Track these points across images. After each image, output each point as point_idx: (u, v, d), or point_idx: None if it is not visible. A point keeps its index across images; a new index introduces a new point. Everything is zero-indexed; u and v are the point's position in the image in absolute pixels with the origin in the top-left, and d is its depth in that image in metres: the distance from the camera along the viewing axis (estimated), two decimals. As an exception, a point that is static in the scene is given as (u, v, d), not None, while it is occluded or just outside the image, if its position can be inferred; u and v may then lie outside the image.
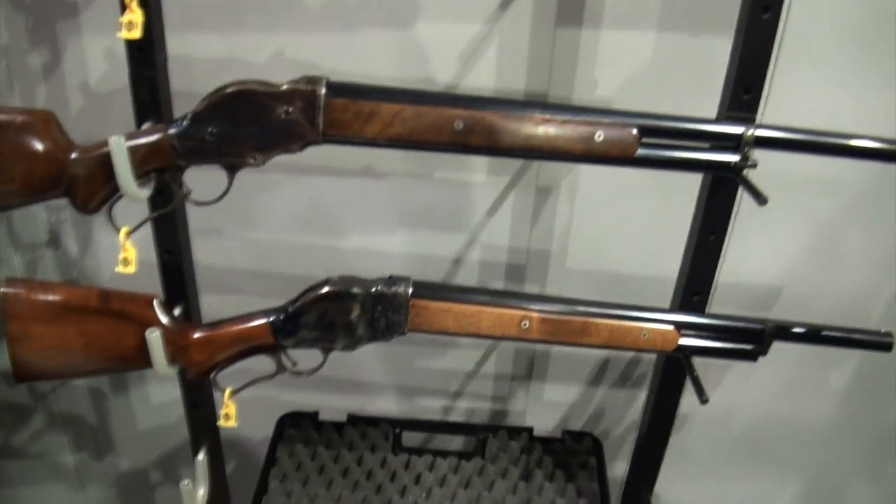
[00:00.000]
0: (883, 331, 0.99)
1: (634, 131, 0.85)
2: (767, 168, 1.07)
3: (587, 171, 1.25)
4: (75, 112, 1.23)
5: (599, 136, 0.85)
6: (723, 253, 1.29)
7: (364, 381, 1.50)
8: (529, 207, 1.29)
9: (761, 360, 1.07)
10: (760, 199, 0.84)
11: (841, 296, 1.36)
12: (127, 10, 0.82)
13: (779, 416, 1.52)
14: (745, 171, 0.88)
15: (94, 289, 1.00)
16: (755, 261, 1.33)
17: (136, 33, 0.82)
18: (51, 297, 0.97)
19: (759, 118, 1.14)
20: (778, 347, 1.28)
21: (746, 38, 0.86)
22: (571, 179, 1.26)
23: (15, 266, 1.37)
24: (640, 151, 0.86)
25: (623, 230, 1.30)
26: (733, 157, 0.87)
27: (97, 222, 1.32)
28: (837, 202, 1.28)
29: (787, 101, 1.17)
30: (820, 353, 1.38)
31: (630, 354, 1.43)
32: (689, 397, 1.42)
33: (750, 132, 0.86)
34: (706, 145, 0.88)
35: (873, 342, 0.99)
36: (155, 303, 0.99)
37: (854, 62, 1.16)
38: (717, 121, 0.89)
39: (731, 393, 1.48)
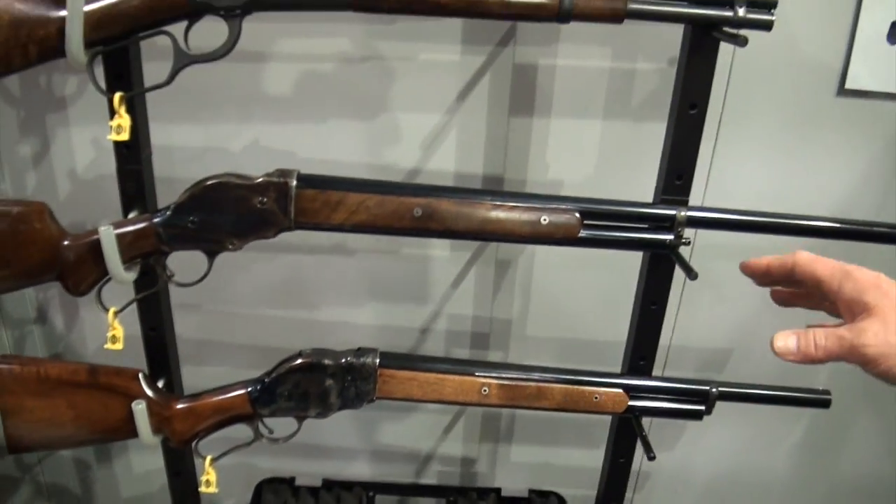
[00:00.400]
0: (821, 388, 1.08)
1: (577, 215, 0.95)
2: (715, 239, 1.18)
3: (543, 246, 1.34)
4: (63, 199, 1.32)
5: (545, 220, 0.95)
6: (674, 319, 1.40)
7: (338, 446, 1.57)
8: (490, 279, 1.38)
9: (716, 417, 1.14)
10: (691, 274, 0.93)
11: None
12: (116, 115, 0.91)
13: (738, 471, 1.60)
14: (679, 248, 0.98)
15: (83, 364, 1.06)
16: (705, 325, 1.43)
17: (125, 136, 0.91)
18: (42, 373, 1.05)
19: (702, 195, 1.26)
20: (730, 404, 1.37)
21: (677, 130, 0.97)
22: (528, 253, 1.36)
23: (4, 341, 1.43)
24: (583, 233, 0.96)
25: (577, 299, 1.40)
26: (668, 236, 0.97)
27: (83, 300, 1.39)
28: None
29: (728, 179, 1.28)
30: (773, 409, 1.47)
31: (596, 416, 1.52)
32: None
33: (682, 214, 0.96)
34: (644, 226, 0.98)
35: (812, 400, 1.08)
36: (140, 376, 1.06)
37: (787, 143, 1.28)
38: (653, 204, 0.99)
39: (690, 450, 1.56)
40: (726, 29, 0.88)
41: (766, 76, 1.23)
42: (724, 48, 0.92)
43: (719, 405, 1.28)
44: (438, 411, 1.51)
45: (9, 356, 1.08)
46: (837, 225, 0.99)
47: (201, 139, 1.26)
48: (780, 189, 1.30)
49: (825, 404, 1.07)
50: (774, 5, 0.87)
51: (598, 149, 1.26)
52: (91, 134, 1.28)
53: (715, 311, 1.42)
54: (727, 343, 1.44)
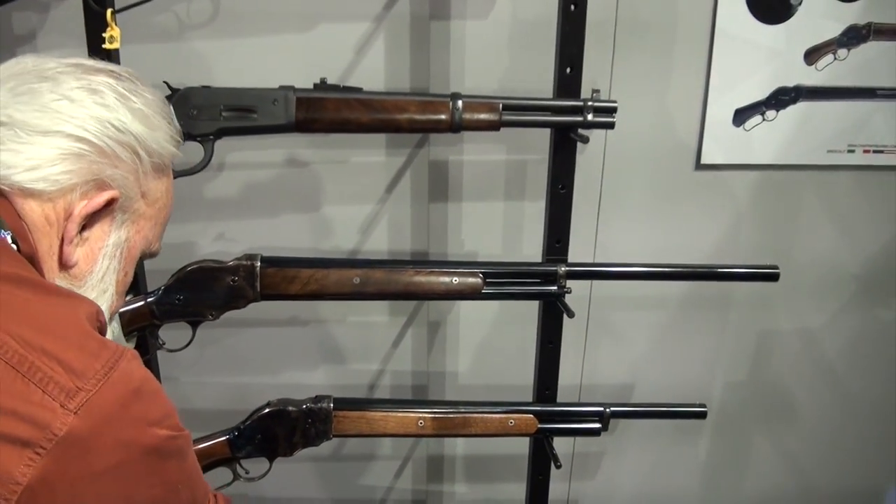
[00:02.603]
0: (698, 403, 1.38)
1: (480, 275, 1.26)
2: (610, 291, 1.50)
3: (466, 307, 1.65)
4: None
5: (455, 280, 1.26)
6: (582, 361, 1.70)
7: (299, 497, 1.82)
8: (424, 338, 1.68)
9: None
10: (570, 313, 1.25)
11: (684, 385, 1.77)
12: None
13: (653, 492, 1.88)
14: (563, 296, 1.29)
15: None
16: (609, 364, 1.73)
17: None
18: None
19: (592, 254, 1.58)
20: (639, 431, 1.69)
21: (552, 205, 1.30)
22: (455, 314, 1.66)
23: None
24: (486, 289, 1.27)
25: (497, 350, 1.70)
26: (553, 287, 1.28)
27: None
28: (664, 314, 1.71)
29: (612, 241, 1.61)
30: (676, 432, 1.78)
31: (525, 449, 1.80)
32: (575, 482, 1.80)
33: (562, 269, 1.28)
34: (535, 280, 1.30)
35: (690, 413, 1.38)
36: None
37: (658, 209, 1.62)
38: (539, 263, 1.31)
39: (609, 476, 1.84)
40: (581, 131, 1.22)
41: (636, 157, 1.58)
42: (600, 137, 1.24)
43: (630, 434, 1.58)
44: (390, 457, 1.78)
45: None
46: (681, 270, 1.32)
47: (177, 236, 1.55)
48: (654, 247, 1.63)
49: (702, 416, 1.38)
50: (614, 111, 1.21)
51: (501, 225, 1.59)
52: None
53: (615, 352, 1.73)
54: (629, 378, 1.75)
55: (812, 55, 1.55)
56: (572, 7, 1.19)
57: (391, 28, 1.45)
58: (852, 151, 1.62)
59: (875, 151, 1.62)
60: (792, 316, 1.71)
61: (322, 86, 1.19)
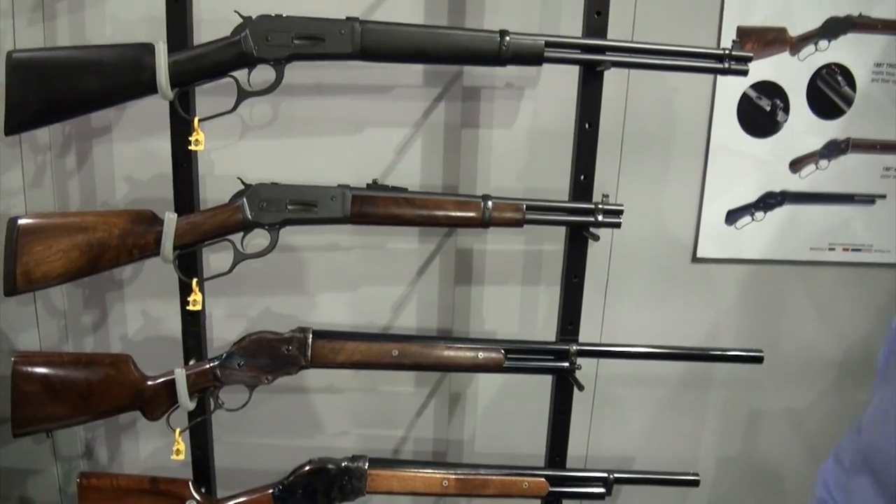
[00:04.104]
0: (692, 472, 1.59)
1: (502, 352, 1.48)
2: (614, 370, 1.71)
3: (484, 380, 1.87)
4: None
5: (481, 356, 1.47)
6: (588, 434, 1.90)
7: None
8: (446, 409, 1.89)
9: None
10: (580, 387, 1.46)
11: (680, 457, 1.97)
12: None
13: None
14: (574, 372, 1.51)
15: (146, 476, 1.53)
16: (612, 438, 1.94)
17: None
18: (115, 483, 1.51)
19: (599, 335, 1.80)
20: (639, 498, 1.87)
21: (566, 292, 1.52)
22: (474, 387, 1.88)
23: (55, 475, 1.88)
24: (507, 364, 1.48)
25: (513, 421, 1.90)
26: (565, 364, 1.50)
27: (124, 436, 1.86)
28: (663, 391, 1.92)
29: (617, 325, 1.84)
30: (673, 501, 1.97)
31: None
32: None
33: (573, 348, 1.50)
34: (549, 357, 1.51)
35: (686, 481, 1.59)
36: (190, 483, 1.53)
37: (658, 297, 1.85)
38: (553, 342, 1.53)
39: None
40: (592, 229, 1.46)
41: (639, 250, 1.81)
42: (608, 232, 1.46)
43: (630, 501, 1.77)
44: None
45: (88, 473, 1.54)
46: (677, 351, 1.54)
47: (228, 309, 1.77)
48: (655, 330, 1.86)
49: (695, 483, 1.58)
50: (621, 213, 1.44)
51: (518, 307, 1.82)
52: (141, 307, 1.78)
53: (618, 425, 1.94)
54: (632, 452, 1.95)
55: (796, 165, 1.80)
56: (587, 126, 1.44)
57: (428, 133, 1.71)
58: (833, 250, 1.85)
59: (854, 250, 1.86)
60: (779, 397, 1.93)
61: (374, 185, 1.43)
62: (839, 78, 1.77)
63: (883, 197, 1.84)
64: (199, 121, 1.40)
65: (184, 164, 1.44)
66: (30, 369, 1.44)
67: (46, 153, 1.70)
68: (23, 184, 1.71)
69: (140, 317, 1.80)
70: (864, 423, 1.05)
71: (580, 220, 1.44)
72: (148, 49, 1.35)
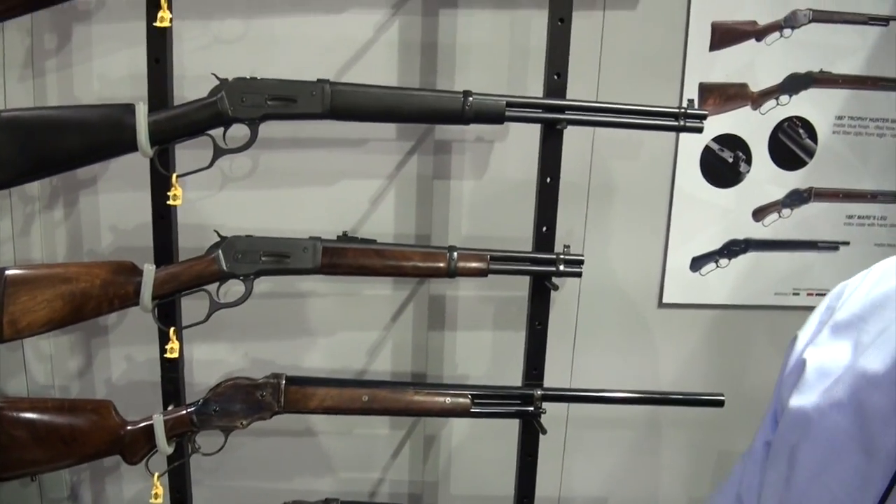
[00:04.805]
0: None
1: (469, 397, 1.55)
2: (584, 413, 1.77)
3: (458, 423, 1.93)
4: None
5: (448, 400, 1.54)
6: (560, 477, 1.97)
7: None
8: (421, 450, 1.95)
9: None
10: (543, 430, 1.53)
11: (652, 499, 2.03)
12: (168, 342, 1.50)
13: None
14: (539, 416, 1.57)
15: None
16: (583, 479, 2.00)
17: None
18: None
19: (569, 381, 1.86)
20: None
21: (530, 338, 1.59)
22: (448, 429, 1.94)
23: (40, 517, 1.94)
24: (474, 409, 1.55)
25: (485, 463, 1.96)
26: (530, 408, 1.57)
27: (108, 479, 1.92)
28: (633, 433, 1.98)
29: (586, 370, 1.90)
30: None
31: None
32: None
33: (538, 392, 1.56)
34: (515, 401, 1.58)
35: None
36: (167, 526, 1.59)
37: (625, 343, 1.92)
38: (520, 387, 1.60)
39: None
40: (554, 279, 1.53)
41: (607, 295, 1.88)
42: (573, 279, 1.54)
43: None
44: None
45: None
46: (639, 395, 1.61)
47: (207, 354, 1.84)
48: (623, 374, 1.92)
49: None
50: (581, 263, 1.52)
51: (490, 351, 1.89)
52: (125, 352, 1.86)
53: (589, 466, 2.00)
54: (604, 493, 2.01)
55: (759, 213, 1.88)
56: (548, 180, 1.52)
57: (401, 185, 1.79)
58: (797, 294, 1.92)
59: (818, 294, 1.92)
60: (746, 438, 1.96)
61: (344, 238, 1.50)
62: (801, 131, 1.85)
63: (846, 243, 1.92)
64: (178, 176, 1.48)
65: (163, 218, 1.52)
66: (16, 415, 1.51)
67: (35, 203, 1.78)
68: (11, 233, 1.79)
69: (123, 362, 1.87)
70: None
71: (542, 270, 1.52)
72: (129, 109, 1.43)
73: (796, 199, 1.88)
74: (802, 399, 0.97)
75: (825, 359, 0.97)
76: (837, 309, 1.00)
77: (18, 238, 1.80)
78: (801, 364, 1.00)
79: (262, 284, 1.56)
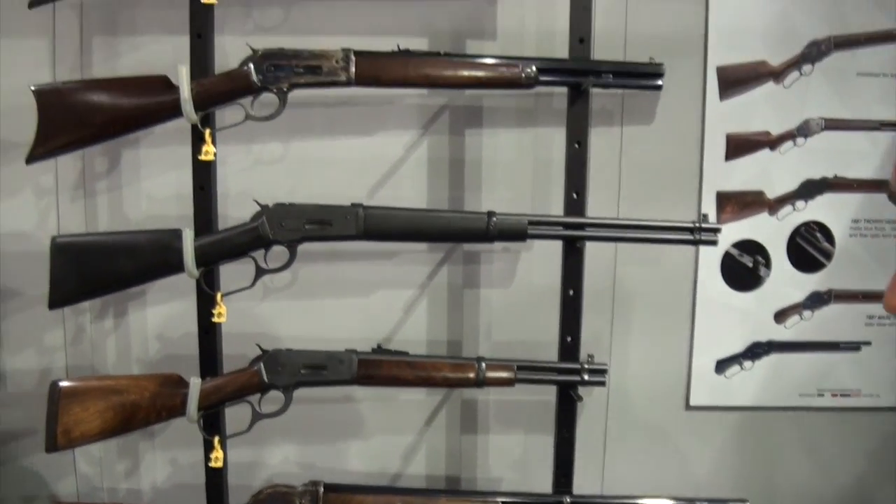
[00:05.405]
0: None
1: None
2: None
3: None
4: None
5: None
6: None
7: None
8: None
9: None
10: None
11: None
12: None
13: None
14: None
15: None
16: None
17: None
18: None
19: (601, 483, 1.91)
20: None
21: (558, 446, 1.66)
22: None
23: None
24: (502, 522, 1.62)
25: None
26: (561, 516, 1.63)
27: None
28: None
29: (617, 472, 1.95)
30: None
31: None
32: None
33: (567, 500, 1.63)
34: (549, 509, 1.64)
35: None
36: None
37: (657, 442, 1.97)
38: (550, 494, 1.66)
39: None
40: (579, 389, 1.60)
41: (633, 400, 1.94)
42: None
43: None
44: None
45: None
46: (668, 500, 1.65)
47: (250, 457, 1.93)
48: (653, 479, 1.96)
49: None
50: (605, 372, 1.59)
51: (522, 455, 1.95)
52: (171, 455, 1.95)
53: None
54: None
55: (781, 316, 1.93)
56: (571, 292, 1.60)
57: (432, 293, 1.89)
58: (822, 395, 1.97)
59: (842, 395, 1.97)
60: (776, 540, 2.02)
61: (378, 350, 1.60)
62: (818, 234, 1.92)
63: (868, 343, 1.96)
64: (222, 296, 1.59)
65: (208, 333, 1.63)
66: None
67: (86, 314, 1.90)
68: (64, 342, 1.91)
69: (169, 465, 1.95)
70: None
71: (567, 380, 1.59)
72: (177, 234, 1.55)
73: (817, 300, 1.94)
74: None
75: None
76: None
77: (70, 346, 1.91)
78: None
79: (302, 389, 1.65)
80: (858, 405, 1.98)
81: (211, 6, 1.54)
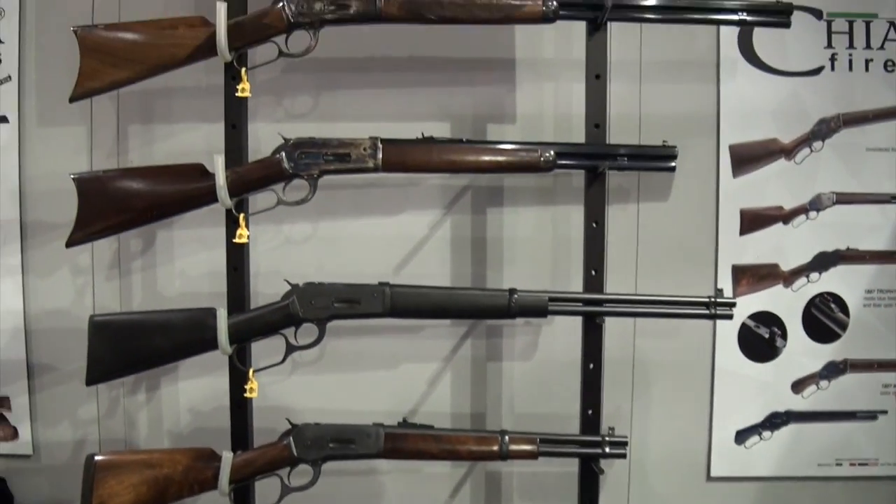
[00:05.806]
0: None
1: (523, 574, 1.64)
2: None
3: None
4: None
5: (504, 578, 1.64)
6: None
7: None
8: None
9: None
10: None
11: None
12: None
13: None
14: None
15: None
16: None
17: None
18: None
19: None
20: None
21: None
22: None
23: None
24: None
25: None
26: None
27: None
28: None
29: None
30: None
31: None
32: None
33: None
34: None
35: None
36: None
37: None
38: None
39: None
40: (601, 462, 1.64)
41: (655, 471, 1.98)
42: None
43: None
44: None
45: None
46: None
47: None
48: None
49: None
50: (625, 445, 1.63)
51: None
52: None
53: None
54: None
55: (798, 386, 1.97)
56: (591, 366, 1.65)
57: (456, 367, 1.94)
58: (840, 465, 1.99)
59: (860, 464, 1.99)
60: None
61: (404, 424, 1.64)
62: (832, 305, 1.97)
63: (885, 412, 1.99)
64: (254, 371, 1.65)
65: (240, 407, 1.68)
66: None
67: (119, 388, 1.96)
68: (97, 415, 1.97)
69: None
70: None
71: (589, 452, 1.63)
72: (210, 313, 1.62)
73: (833, 370, 1.98)
74: None
75: None
76: None
77: (103, 420, 1.97)
78: None
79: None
80: (876, 474, 2.00)
81: (245, 98, 1.62)
